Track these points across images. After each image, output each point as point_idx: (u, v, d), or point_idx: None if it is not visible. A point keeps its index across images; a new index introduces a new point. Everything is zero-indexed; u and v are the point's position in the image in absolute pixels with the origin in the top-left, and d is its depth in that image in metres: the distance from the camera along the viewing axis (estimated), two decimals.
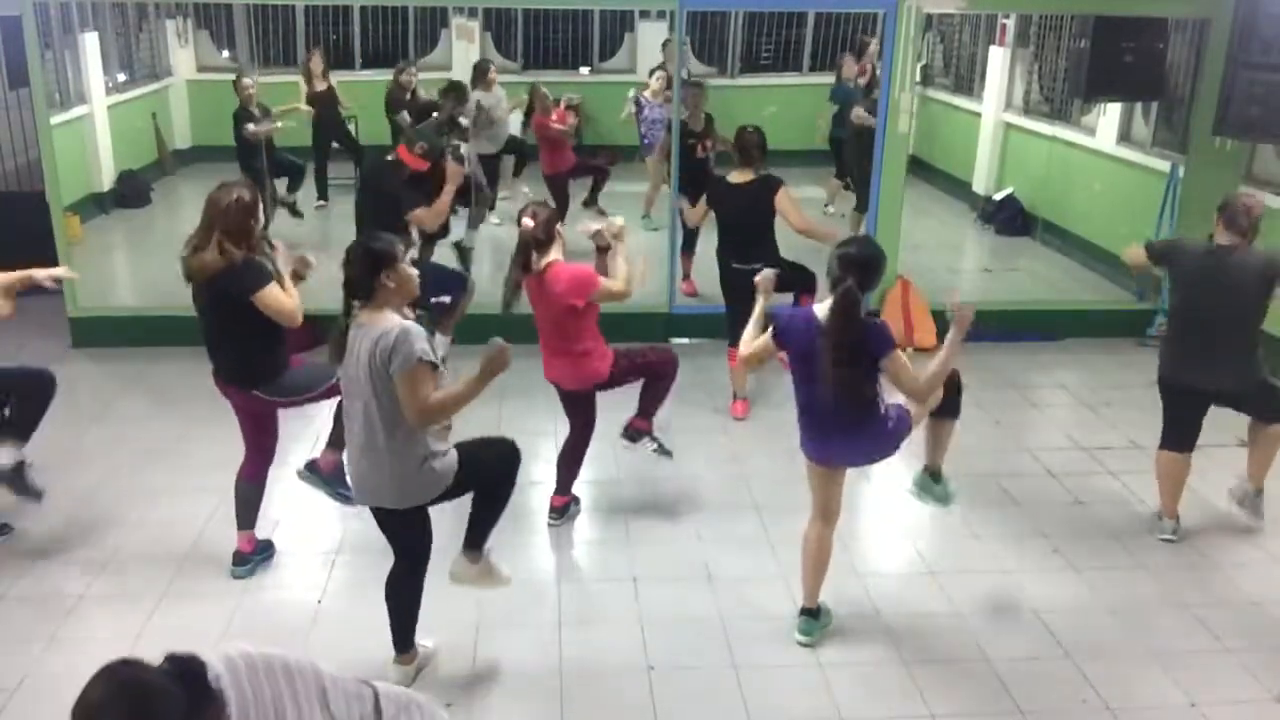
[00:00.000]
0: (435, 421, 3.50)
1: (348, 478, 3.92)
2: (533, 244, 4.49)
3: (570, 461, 4.92)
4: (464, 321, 6.39)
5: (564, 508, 4.95)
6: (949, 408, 4.18)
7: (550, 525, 4.92)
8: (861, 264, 3.78)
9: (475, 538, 3.86)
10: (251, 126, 8.79)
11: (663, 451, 5.08)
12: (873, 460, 4.09)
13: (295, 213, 9.31)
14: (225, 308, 4.15)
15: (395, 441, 3.46)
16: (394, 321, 3.42)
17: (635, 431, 5.02)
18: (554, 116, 9.16)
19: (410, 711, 2.32)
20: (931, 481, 4.39)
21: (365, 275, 3.42)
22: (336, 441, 4.38)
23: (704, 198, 6.21)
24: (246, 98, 8.90)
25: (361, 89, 10.40)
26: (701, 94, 8.10)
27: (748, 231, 5.93)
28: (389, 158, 6.13)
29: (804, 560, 4.11)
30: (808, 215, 6.16)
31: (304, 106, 9.44)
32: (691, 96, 7.98)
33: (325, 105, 9.79)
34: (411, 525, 3.67)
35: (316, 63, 9.78)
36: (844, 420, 3.85)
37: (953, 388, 4.11)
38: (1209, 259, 4.58)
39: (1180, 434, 4.78)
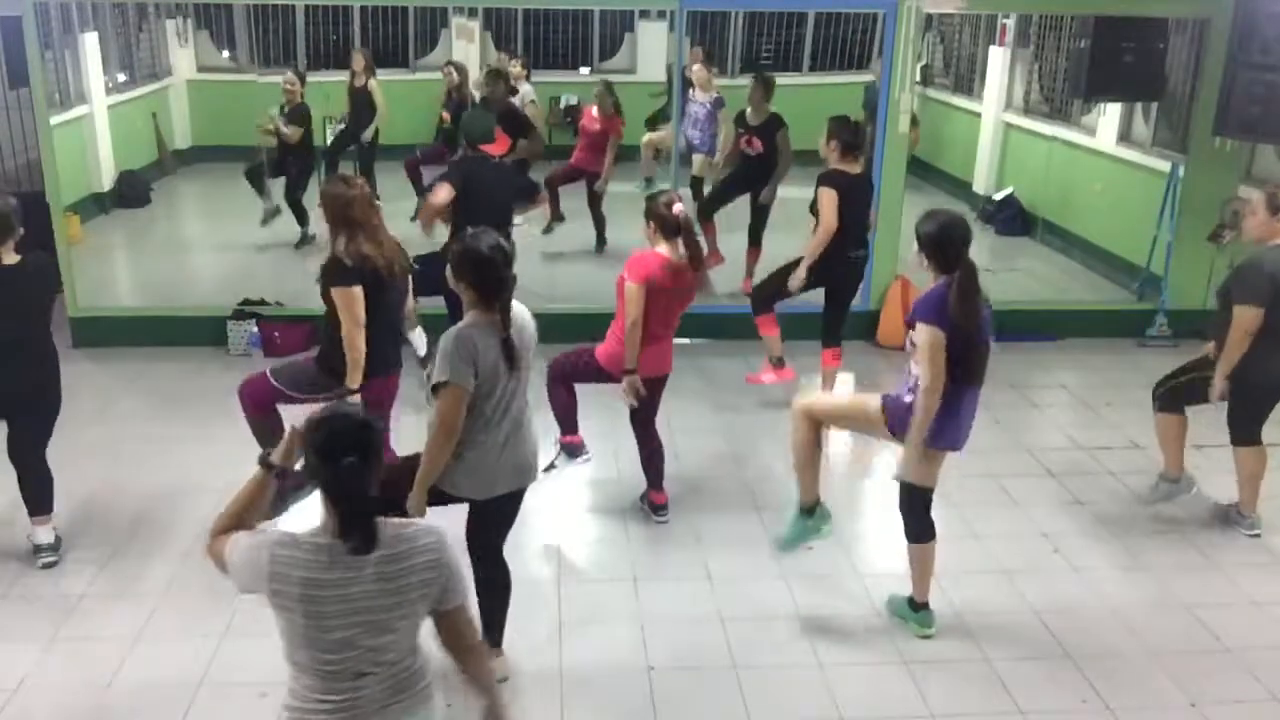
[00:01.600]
0: None
1: (495, 473, 3.67)
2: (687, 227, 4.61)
3: (658, 454, 5.00)
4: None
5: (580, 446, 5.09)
6: (931, 529, 4.15)
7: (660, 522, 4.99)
8: (948, 238, 3.87)
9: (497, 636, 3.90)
10: (273, 111, 8.77)
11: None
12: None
13: (269, 218, 9.23)
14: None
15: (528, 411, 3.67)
16: (522, 308, 3.57)
17: (667, 504, 5.03)
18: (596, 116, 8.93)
19: None
20: (912, 610, 4.21)
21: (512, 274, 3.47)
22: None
23: (833, 196, 5.80)
24: (289, 95, 8.85)
25: (378, 88, 10.35)
26: (761, 88, 7.92)
27: (863, 221, 6.02)
28: (495, 159, 5.99)
29: (800, 455, 4.21)
30: None
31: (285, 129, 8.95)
32: (754, 91, 7.93)
33: (358, 104, 9.78)
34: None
35: (358, 60, 9.79)
36: (977, 395, 4.01)
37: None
38: None
39: (1261, 424, 4.82)
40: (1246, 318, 4.53)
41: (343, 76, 10.01)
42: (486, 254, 3.37)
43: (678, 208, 4.56)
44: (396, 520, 2.42)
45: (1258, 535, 4.92)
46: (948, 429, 3.95)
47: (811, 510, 4.29)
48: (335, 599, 2.27)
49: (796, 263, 5.97)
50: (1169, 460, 5.05)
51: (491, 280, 3.38)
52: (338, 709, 2.35)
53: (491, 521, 3.71)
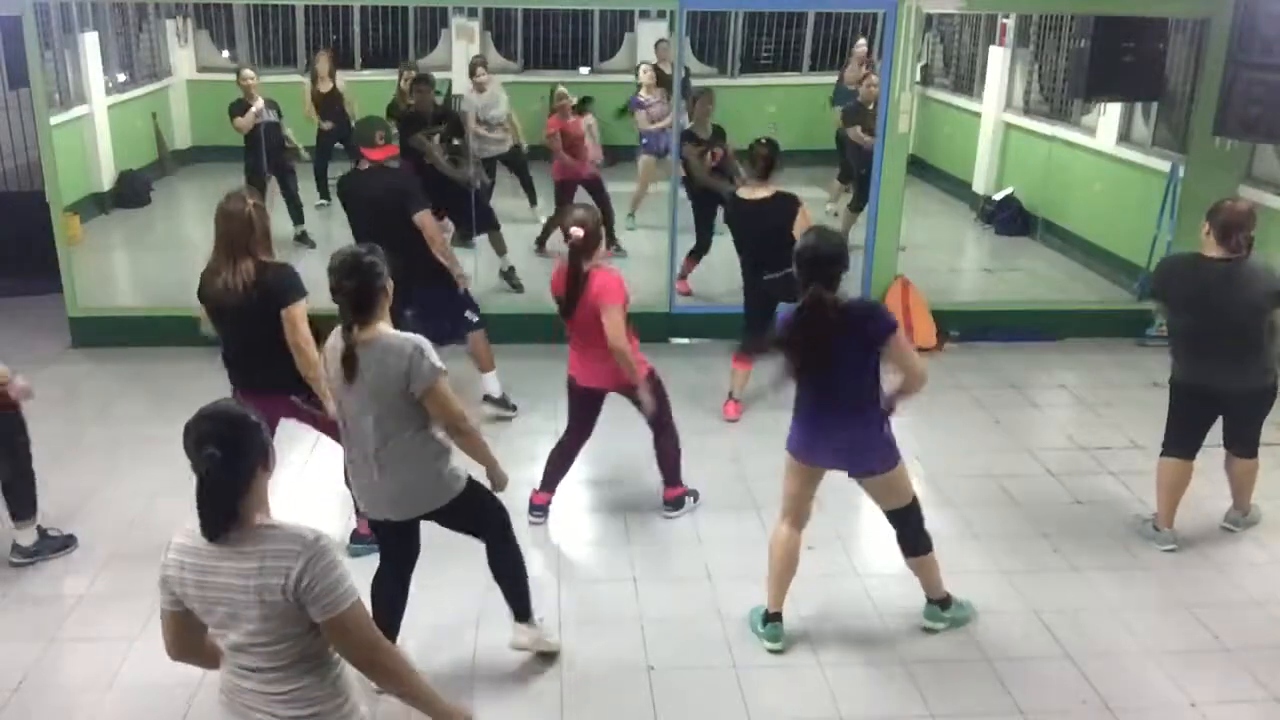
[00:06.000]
0: (467, 428, 3.52)
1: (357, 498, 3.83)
2: (581, 251, 4.46)
3: (563, 461, 4.97)
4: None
5: (544, 506, 5.01)
6: (916, 545, 4.10)
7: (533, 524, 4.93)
8: (817, 259, 3.73)
9: (521, 609, 3.93)
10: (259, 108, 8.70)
11: (697, 499, 5.12)
12: (860, 466, 3.96)
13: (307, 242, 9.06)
14: (266, 315, 4.08)
15: (414, 444, 3.46)
16: (399, 336, 3.39)
17: (676, 500, 5.05)
18: (569, 121, 8.76)
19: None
20: (940, 610, 4.20)
21: (368, 288, 3.33)
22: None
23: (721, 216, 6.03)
24: (246, 88, 8.76)
25: (362, 90, 10.38)
26: (710, 102, 7.97)
27: (772, 246, 5.79)
28: (363, 166, 5.72)
29: (771, 564, 4.08)
30: None
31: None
32: (700, 105, 7.94)
33: (330, 105, 9.77)
34: (466, 509, 3.67)
35: (323, 63, 9.76)
36: (841, 418, 3.86)
37: (912, 523, 4.08)
38: (1208, 273, 4.45)
39: (1188, 438, 4.74)
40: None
41: (347, 76, 10.01)
42: (331, 262, 3.37)
43: (573, 231, 4.43)
44: (278, 522, 2.39)
45: (1231, 530, 4.93)
46: (804, 438, 3.95)
47: (779, 617, 4.14)
48: (198, 584, 2.36)
49: (746, 298, 6.13)
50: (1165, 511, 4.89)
51: (331, 288, 3.37)
52: (226, 687, 2.46)
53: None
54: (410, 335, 3.41)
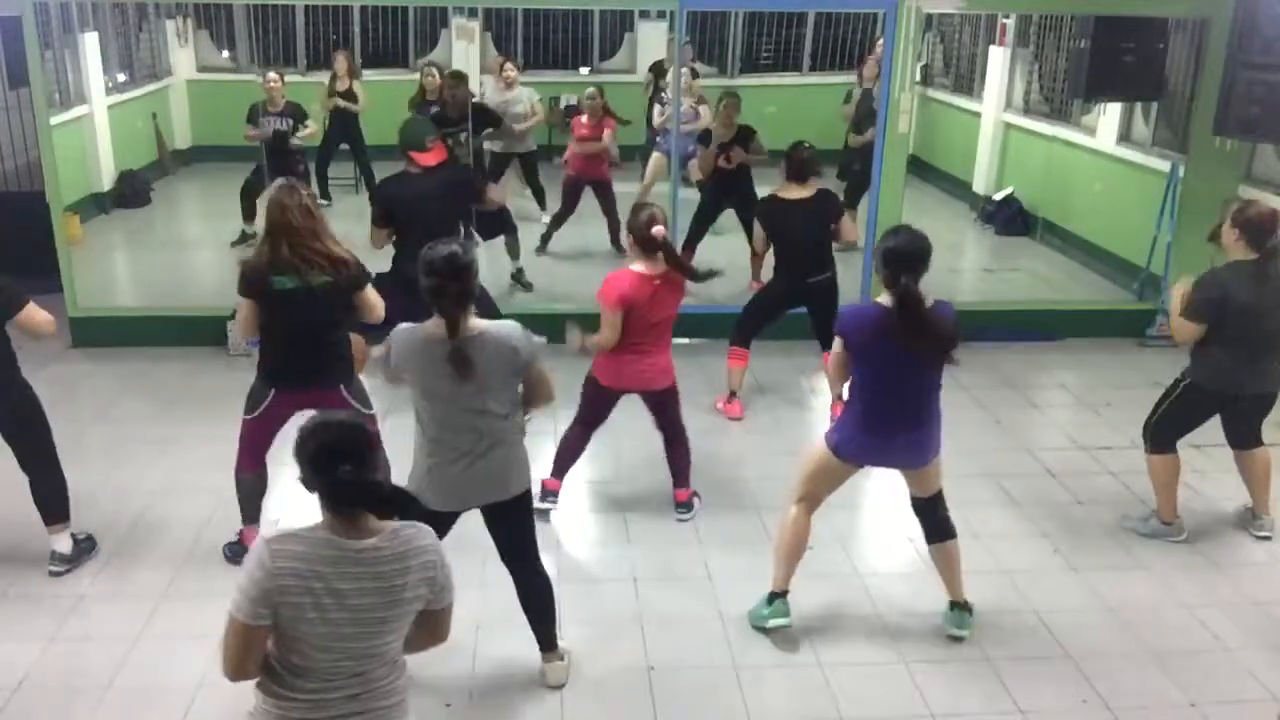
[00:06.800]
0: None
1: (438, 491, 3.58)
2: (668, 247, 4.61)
3: (579, 447, 5.00)
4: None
5: (556, 492, 5.03)
6: (946, 529, 4.12)
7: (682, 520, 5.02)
8: (910, 256, 3.82)
9: (550, 640, 3.91)
10: (264, 123, 8.61)
11: (700, 499, 5.14)
12: (918, 462, 3.97)
13: (243, 240, 8.87)
14: (338, 304, 4.16)
15: (513, 425, 3.58)
16: (495, 322, 3.51)
17: (688, 502, 5.06)
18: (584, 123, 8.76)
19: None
20: (968, 615, 4.14)
21: (473, 286, 3.42)
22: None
23: (761, 229, 6.09)
24: (270, 92, 8.63)
25: (361, 89, 10.39)
26: (736, 105, 7.99)
27: (817, 245, 5.98)
28: (414, 170, 5.68)
29: (779, 543, 4.11)
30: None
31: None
32: (726, 108, 7.96)
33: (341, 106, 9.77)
34: (530, 503, 3.75)
35: (341, 62, 9.77)
36: (909, 420, 3.87)
37: (941, 507, 4.10)
38: (1253, 279, 4.46)
39: (1183, 435, 4.79)
40: (1185, 328, 4.58)
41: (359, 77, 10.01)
42: (430, 263, 3.37)
43: (657, 229, 4.51)
44: (396, 523, 2.42)
45: (1268, 538, 4.91)
46: (859, 439, 3.93)
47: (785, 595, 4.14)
48: (332, 592, 2.29)
49: (768, 294, 6.26)
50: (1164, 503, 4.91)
51: (430, 289, 3.36)
52: (320, 707, 2.39)
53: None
54: (503, 321, 3.56)
